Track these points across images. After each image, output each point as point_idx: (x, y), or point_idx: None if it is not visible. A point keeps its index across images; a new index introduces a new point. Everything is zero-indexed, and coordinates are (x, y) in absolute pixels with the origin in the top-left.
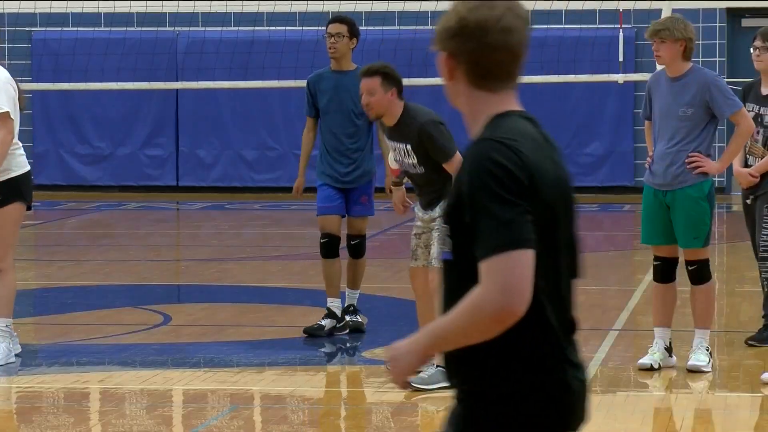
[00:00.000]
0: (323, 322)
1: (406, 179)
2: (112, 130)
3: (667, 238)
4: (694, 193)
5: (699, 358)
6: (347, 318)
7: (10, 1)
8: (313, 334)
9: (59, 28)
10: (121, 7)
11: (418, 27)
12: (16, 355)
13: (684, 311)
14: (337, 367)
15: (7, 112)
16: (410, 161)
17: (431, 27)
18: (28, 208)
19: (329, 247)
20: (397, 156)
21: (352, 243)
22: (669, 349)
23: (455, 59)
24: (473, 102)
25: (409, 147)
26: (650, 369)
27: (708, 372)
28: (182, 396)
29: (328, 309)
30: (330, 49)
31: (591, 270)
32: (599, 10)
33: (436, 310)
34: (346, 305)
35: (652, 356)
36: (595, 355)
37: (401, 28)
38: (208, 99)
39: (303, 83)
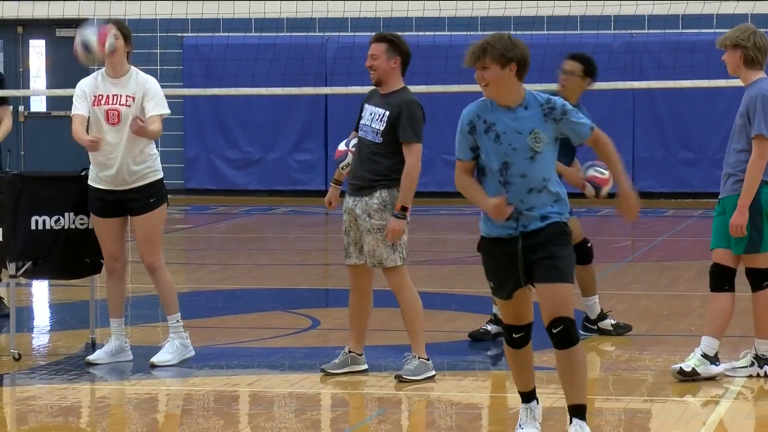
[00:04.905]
0: (488, 327)
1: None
2: (262, 134)
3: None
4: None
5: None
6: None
7: (162, 6)
8: (479, 338)
9: (210, 34)
10: (272, 13)
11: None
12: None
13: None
14: (483, 372)
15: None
16: (377, 127)
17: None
18: None
19: None
20: (364, 121)
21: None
22: (709, 358)
23: None
24: None
25: (386, 114)
26: (680, 372)
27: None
28: (330, 399)
29: (494, 315)
30: None
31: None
32: None
33: (410, 309)
34: (584, 317)
35: (686, 362)
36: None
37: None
38: (357, 104)
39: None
